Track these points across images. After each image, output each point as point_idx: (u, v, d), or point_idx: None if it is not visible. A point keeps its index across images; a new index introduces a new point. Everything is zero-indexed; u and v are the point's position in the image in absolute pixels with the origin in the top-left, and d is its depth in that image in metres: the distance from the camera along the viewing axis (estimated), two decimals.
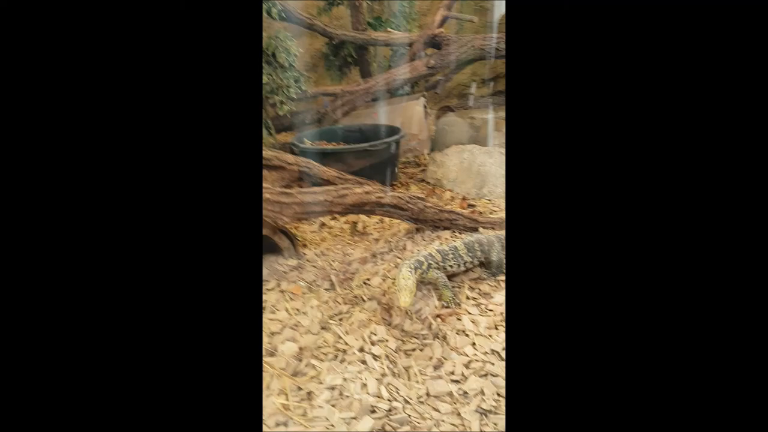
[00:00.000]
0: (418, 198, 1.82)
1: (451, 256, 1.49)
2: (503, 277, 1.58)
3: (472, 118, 3.04)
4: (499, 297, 1.45)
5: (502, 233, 1.74)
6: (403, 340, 1.26)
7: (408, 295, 1.22)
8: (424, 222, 1.85)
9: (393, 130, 2.54)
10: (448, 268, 1.49)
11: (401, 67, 2.71)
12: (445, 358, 1.17)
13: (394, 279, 1.38)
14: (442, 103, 3.70)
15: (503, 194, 2.34)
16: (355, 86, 2.68)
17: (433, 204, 1.87)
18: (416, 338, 1.26)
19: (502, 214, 2.11)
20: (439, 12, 2.80)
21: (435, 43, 2.77)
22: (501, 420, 0.97)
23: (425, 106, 2.96)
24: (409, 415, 0.98)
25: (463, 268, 1.55)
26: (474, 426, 0.95)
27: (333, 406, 1.01)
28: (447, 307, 1.38)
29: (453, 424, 0.96)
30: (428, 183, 2.52)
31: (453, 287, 1.46)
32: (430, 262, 1.44)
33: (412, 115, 2.87)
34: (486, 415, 0.99)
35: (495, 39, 2.79)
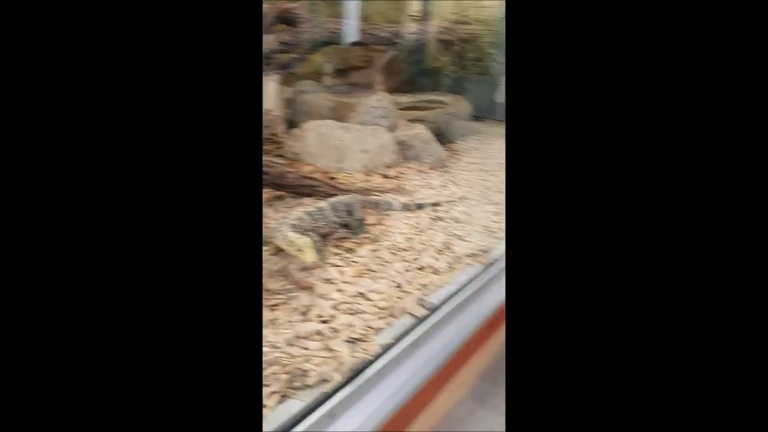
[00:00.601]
0: (278, 163, 1.76)
1: (319, 217, 1.50)
2: (365, 235, 1.64)
3: (328, 100, 3.08)
4: (362, 251, 1.50)
5: (362, 196, 1.81)
6: (267, 298, 1.20)
7: (313, 250, 1.24)
8: (285, 188, 1.79)
9: None
10: (319, 230, 1.49)
11: None
12: (313, 305, 1.15)
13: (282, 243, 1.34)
14: (296, 85, 3.65)
15: (361, 168, 2.43)
16: None
17: (294, 170, 1.83)
18: (281, 294, 1.22)
19: (362, 185, 2.19)
20: None
21: (287, 19, 2.71)
22: (371, 346, 1.00)
23: (280, 83, 2.87)
24: (278, 357, 0.93)
25: (330, 229, 1.56)
26: (345, 354, 0.96)
27: None
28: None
29: (324, 357, 0.95)
30: (287, 158, 2.45)
31: (319, 246, 1.46)
32: (303, 225, 1.43)
33: (266, 92, 2.76)
34: (356, 343, 1.00)
35: (347, 25, 2.87)
